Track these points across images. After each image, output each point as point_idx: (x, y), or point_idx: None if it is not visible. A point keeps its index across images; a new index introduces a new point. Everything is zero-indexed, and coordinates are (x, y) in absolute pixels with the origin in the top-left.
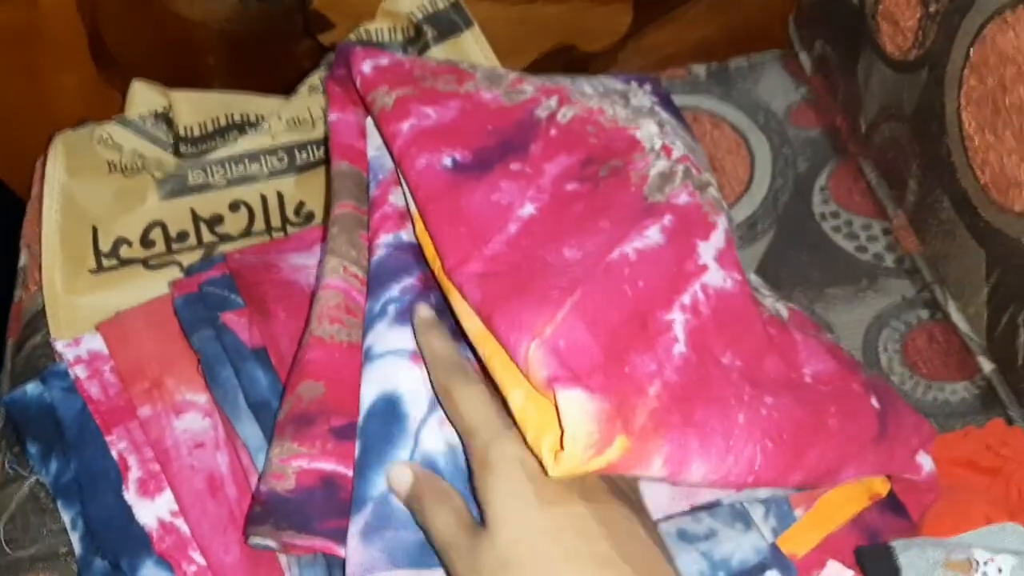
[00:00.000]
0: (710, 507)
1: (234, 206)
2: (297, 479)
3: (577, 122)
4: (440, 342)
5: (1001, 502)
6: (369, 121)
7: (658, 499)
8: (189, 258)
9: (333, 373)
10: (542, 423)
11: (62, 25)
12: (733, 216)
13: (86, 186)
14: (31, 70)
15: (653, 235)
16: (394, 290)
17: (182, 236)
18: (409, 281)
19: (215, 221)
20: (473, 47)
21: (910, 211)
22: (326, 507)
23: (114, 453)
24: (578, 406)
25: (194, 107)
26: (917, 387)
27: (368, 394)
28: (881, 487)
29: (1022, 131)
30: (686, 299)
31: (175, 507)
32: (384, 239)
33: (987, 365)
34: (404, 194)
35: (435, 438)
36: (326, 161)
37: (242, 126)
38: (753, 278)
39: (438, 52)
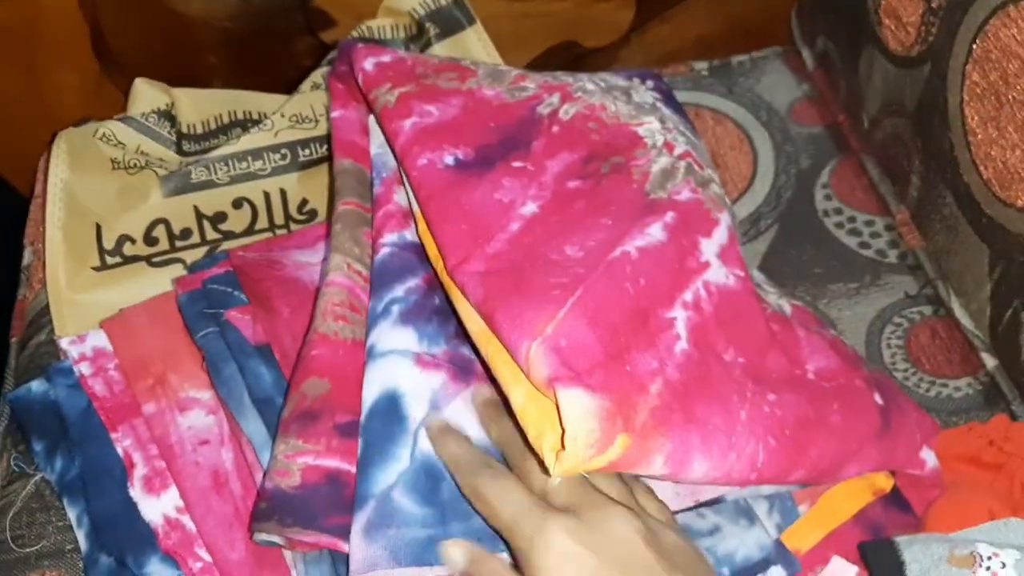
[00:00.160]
0: (714, 503)
1: (237, 203)
2: (302, 476)
3: (579, 119)
4: (457, 446)
5: (1005, 497)
6: (372, 118)
7: (663, 496)
8: (193, 255)
9: (337, 370)
10: (543, 422)
11: (64, 24)
12: (736, 212)
13: (89, 184)
14: (33, 68)
15: (655, 232)
16: (398, 290)
17: (186, 233)
18: (413, 282)
19: (218, 218)
20: (475, 44)
21: (913, 207)
22: (331, 504)
23: (119, 450)
24: (579, 405)
25: (197, 104)
26: (920, 383)
27: (370, 392)
28: (885, 483)
29: None
30: (688, 296)
31: (180, 504)
32: (388, 238)
33: (990, 361)
34: (407, 192)
35: None
36: (329, 158)
37: (245, 123)
38: (756, 275)
39: (440, 49)
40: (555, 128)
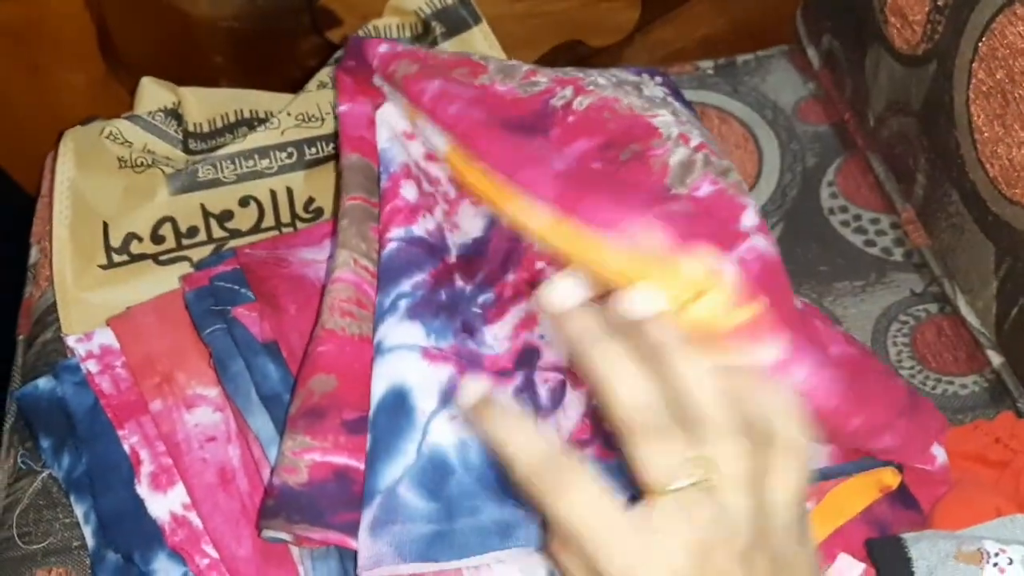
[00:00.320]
0: None
1: (244, 201)
2: (310, 473)
3: (594, 109)
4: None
5: (1011, 495)
6: (379, 113)
7: None
8: (199, 254)
9: (344, 366)
10: (657, 279)
11: (70, 23)
12: None
13: (96, 182)
14: (39, 68)
15: (687, 207)
16: (405, 285)
17: (192, 232)
18: (420, 276)
19: (225, 217)
20: (481, 43)
21: (918, 205)
22: (339, 500)
23: (126, 447)
24: (716, 260)
25: (203, 103)
26: (926, 381)
27: (378, 388)
28: (892, 479)
29: None
30: (734, 256)
31: (187, 500)
32: (395, 232)
33: (996, 359)
34: (430, 144)
35: (445, 432)
36: (335, 156)
37: (251, 122)
38: None
39: (446, 48)
40: (571, 118)
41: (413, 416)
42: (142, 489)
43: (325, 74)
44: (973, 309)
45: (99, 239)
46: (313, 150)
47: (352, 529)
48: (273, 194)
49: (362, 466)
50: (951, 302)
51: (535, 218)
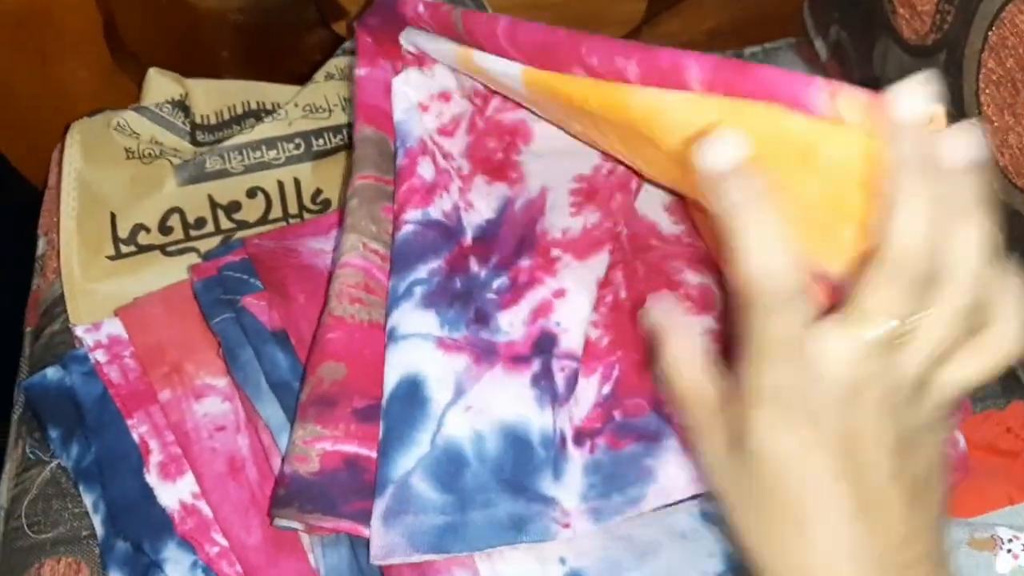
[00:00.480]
0: None
1: (251, 192)
2: (321, 461)
3: None
4: (762, 240)
5: (1022, 483)
6: (396, 81)
7: (682, 480)
8: (207, 245)
9: (354, 353)
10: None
11: (77, 15)
12: None
13: (103, 173)
14: (46, 60)
15: None
16: (421, 271)
17: (200, 223)
18: (436, 263)
19: (232, 208)
20: None
21: None
22: (350, 489)
23: (135, 436)
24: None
25: (211, 95)
26: None
27: (392, 377)
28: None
29: None
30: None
31: (196, 489)
32: (411, 215)
33: None
34: (499, 78)
35: (460, 424)
36: (343, 148)
37: (259, 113)
38: None
39: None
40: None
41: (428, 407)
42: (151, 478)
43: (333, 65)
44: None
45: (107, 230)
46: (321, 141)
47: (364, 517)
48: (281, 185)
49: (373, 454)
50: None
51: (667, 98)
